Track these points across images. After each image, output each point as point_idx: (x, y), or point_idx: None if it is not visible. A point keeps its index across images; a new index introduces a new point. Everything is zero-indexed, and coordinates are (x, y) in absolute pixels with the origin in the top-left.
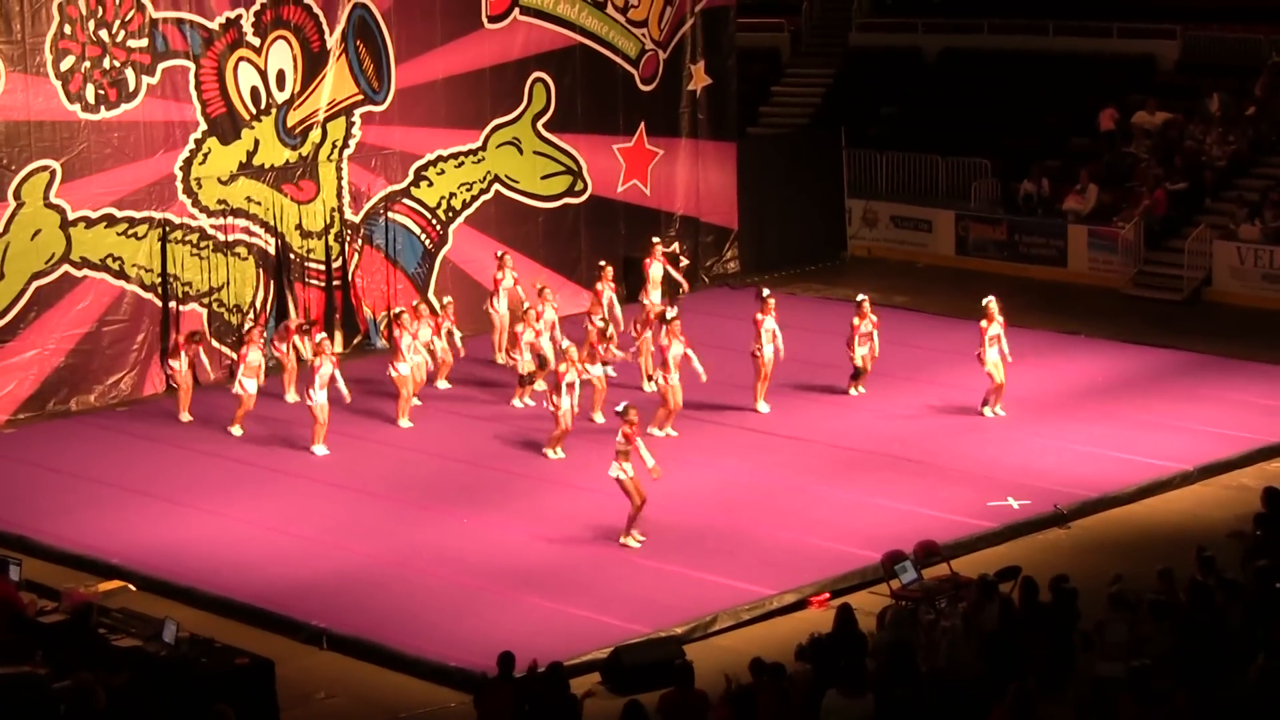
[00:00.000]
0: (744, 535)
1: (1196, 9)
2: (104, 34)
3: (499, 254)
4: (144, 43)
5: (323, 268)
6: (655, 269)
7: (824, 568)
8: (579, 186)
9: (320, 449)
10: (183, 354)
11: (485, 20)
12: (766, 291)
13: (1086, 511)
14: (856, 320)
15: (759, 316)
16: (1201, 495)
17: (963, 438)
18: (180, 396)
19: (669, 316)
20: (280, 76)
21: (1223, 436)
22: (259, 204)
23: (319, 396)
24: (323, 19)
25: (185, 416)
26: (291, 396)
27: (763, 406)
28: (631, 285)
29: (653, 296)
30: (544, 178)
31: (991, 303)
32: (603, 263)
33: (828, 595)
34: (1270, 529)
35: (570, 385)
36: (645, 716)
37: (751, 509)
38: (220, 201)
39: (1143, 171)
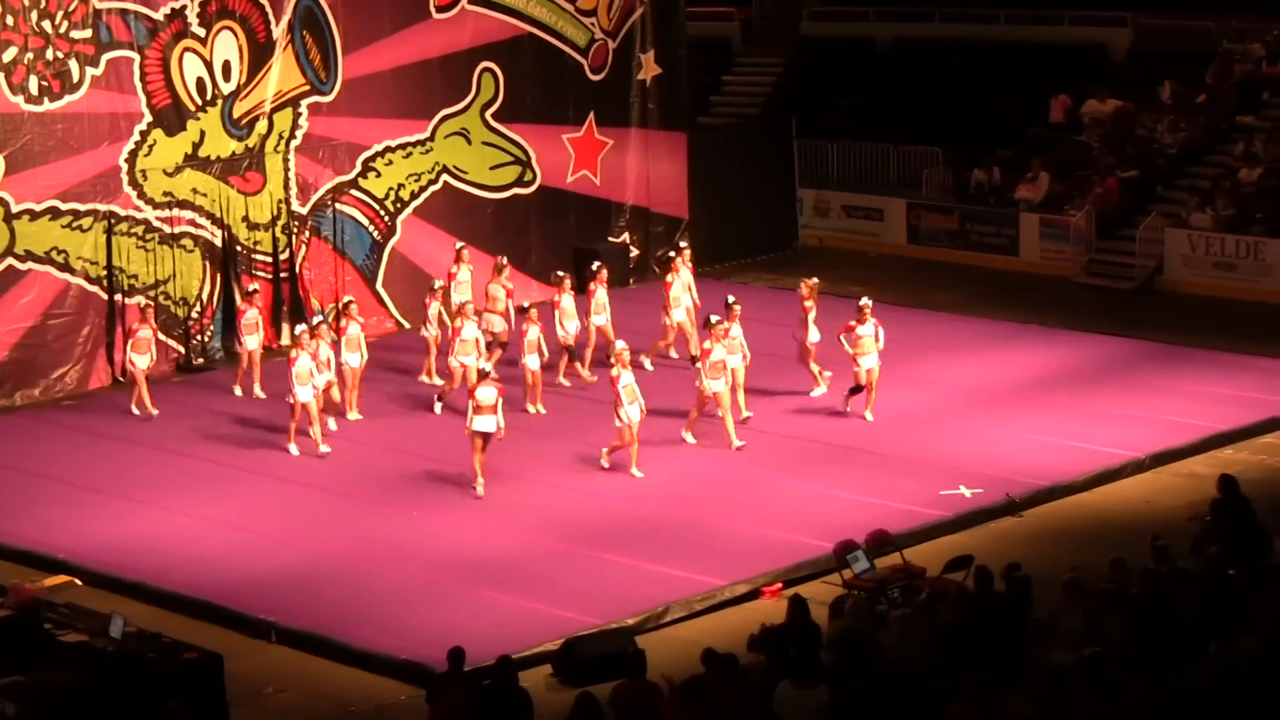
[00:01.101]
0: (697, 526)
1: None
2: (47, 25)
3: (458, 246)
4: (88, 33)
5: (270, 260)
6: (678, 286)
7: (776, 558)
8: (528, 177)
9: (294, 448)
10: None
11: (433, 10)
12: (732, 298)
13: (1039, 500)
14: (854, 323)
15: (726, 325)
16: (1154, 483)
17: (915, 427)
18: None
19: (712, 320)
20: (226, 67)
21: (1175, 425)
22: (205, 196)
23: (302, 393)
24: (268, 9)
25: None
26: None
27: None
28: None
29: (674, 315)
30: (493, 168)
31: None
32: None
33: (780, 585)
34: (1224, 515)
35: (626, 386)
36: (598, 708)
37: (705, 500)
38: (166, 194)
39: (1095, 160)
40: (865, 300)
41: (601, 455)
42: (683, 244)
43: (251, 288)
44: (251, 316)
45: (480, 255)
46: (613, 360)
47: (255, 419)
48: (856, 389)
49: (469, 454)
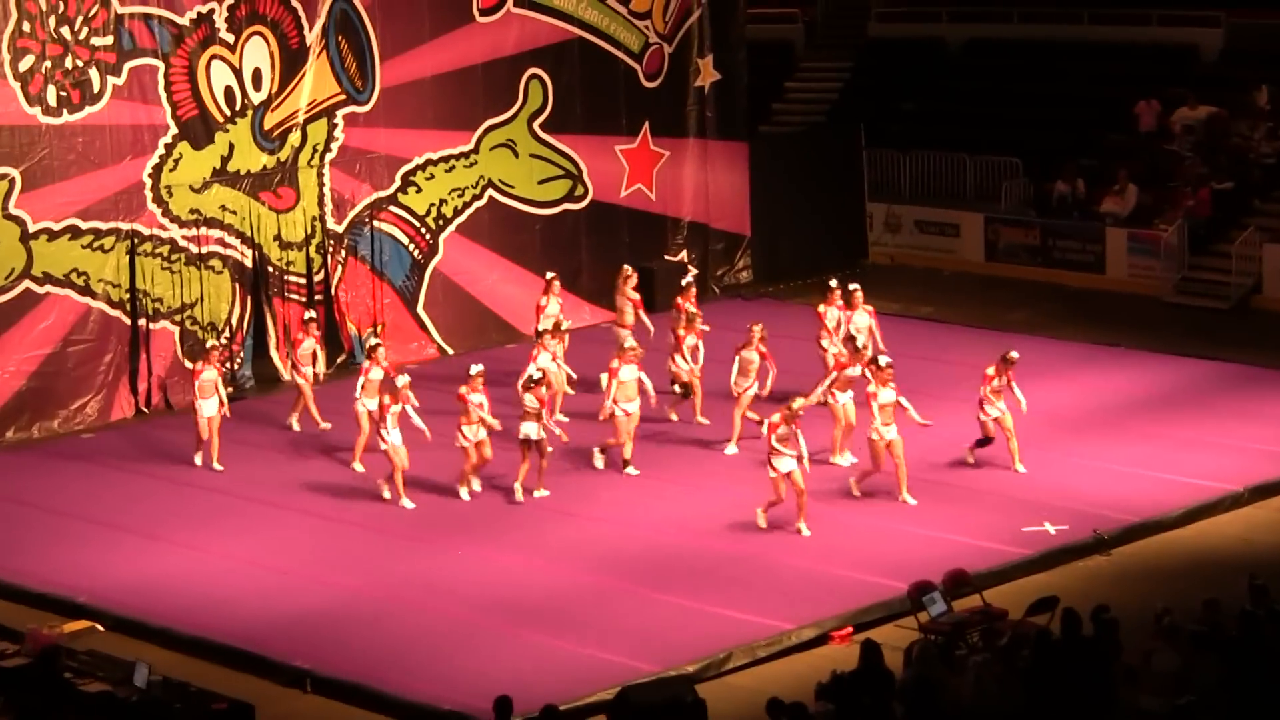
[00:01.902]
0: (761, 564)
1: None
2: (66, 31)
3: (548, 277)
4: (109, 40)
5: (304, 281)
6: (860, 317)
7: (846, 600)
8: (579, 191)
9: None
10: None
11: (477, 13)
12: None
13: (1129, 537)
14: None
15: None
16: (1253, 518)
17: (995, 458)
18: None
19: (883, 362)
20: (256, 75)
21: (1276, 455)
22: (234, 213)
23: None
24: (301, 13)
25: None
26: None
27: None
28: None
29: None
30: (541, 182)
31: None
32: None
33: (850, 630)
34: None
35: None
36: None
37: (768, 537)
38: (193, 211)
39: (1185, 170)
40: (885, 360)
41: (595, 455)
42: (687, 278)
43: (308, 315)
44: (308, 347)
45: (527, 275)
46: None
47: (286, 451)
48: (984, 440)
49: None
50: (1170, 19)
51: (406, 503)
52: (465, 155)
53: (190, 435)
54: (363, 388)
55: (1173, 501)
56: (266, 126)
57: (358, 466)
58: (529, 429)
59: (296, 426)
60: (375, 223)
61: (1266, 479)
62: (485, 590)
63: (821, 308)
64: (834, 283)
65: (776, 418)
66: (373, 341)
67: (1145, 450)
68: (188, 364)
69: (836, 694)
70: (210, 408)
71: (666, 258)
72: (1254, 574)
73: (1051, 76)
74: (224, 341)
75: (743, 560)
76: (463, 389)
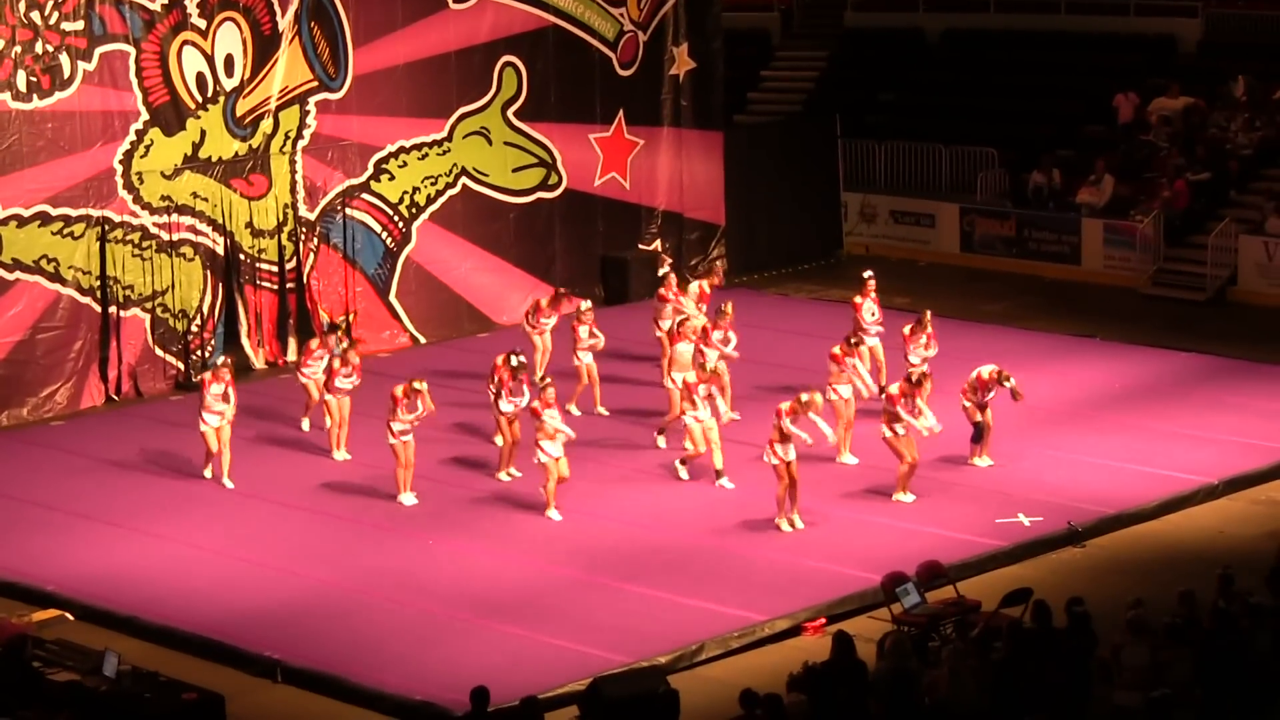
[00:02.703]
0: (734, 556)
1: None
2: (36, 16)
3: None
4: (80, 25)
5: (275, 269)
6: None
7: (820, 591)
8: (553, 180)
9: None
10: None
11: (450, 0)
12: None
13: (1103, 529)
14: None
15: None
16: (1228, 510)
17: (969, 450)
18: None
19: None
20: (228, 62)
21: (1250, 447)
22: (206, 200)
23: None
24: None
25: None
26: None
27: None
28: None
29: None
30: (515, 170)
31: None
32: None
33: (824, 621)
34: None
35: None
36: None
37: (741, 529)
38: (164, 198)
39: (1162, 161)
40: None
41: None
42: (664, 269)
43: (329, 325)
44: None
45: (501, 264)
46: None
47: (257, 441)
48: (978, 433)
49: (492, 475)
50: (1148, 9)
51: (406, 499)
52: (439, 143)
53: (169, 434)
54: (331, 383)
55: (1147, 494)
56: (238, 113)
57: (340, 455)
58: (507, 407)
59: (306, 427)
60: (348, 210)
61: (1240, 471)
62: (457, 582)
63: (858, 299)
64: (868, 273)
65: (786, 406)
66: (343, 347)
67: (1120, 442)
68: (200, 377)
69: (809, 685)
70: (217, 420)
71: (641, 247)
72: (1226, 566)
73: (1029, 67)
74: (196, 329)
75: (716, 552)
76: (535, 403)
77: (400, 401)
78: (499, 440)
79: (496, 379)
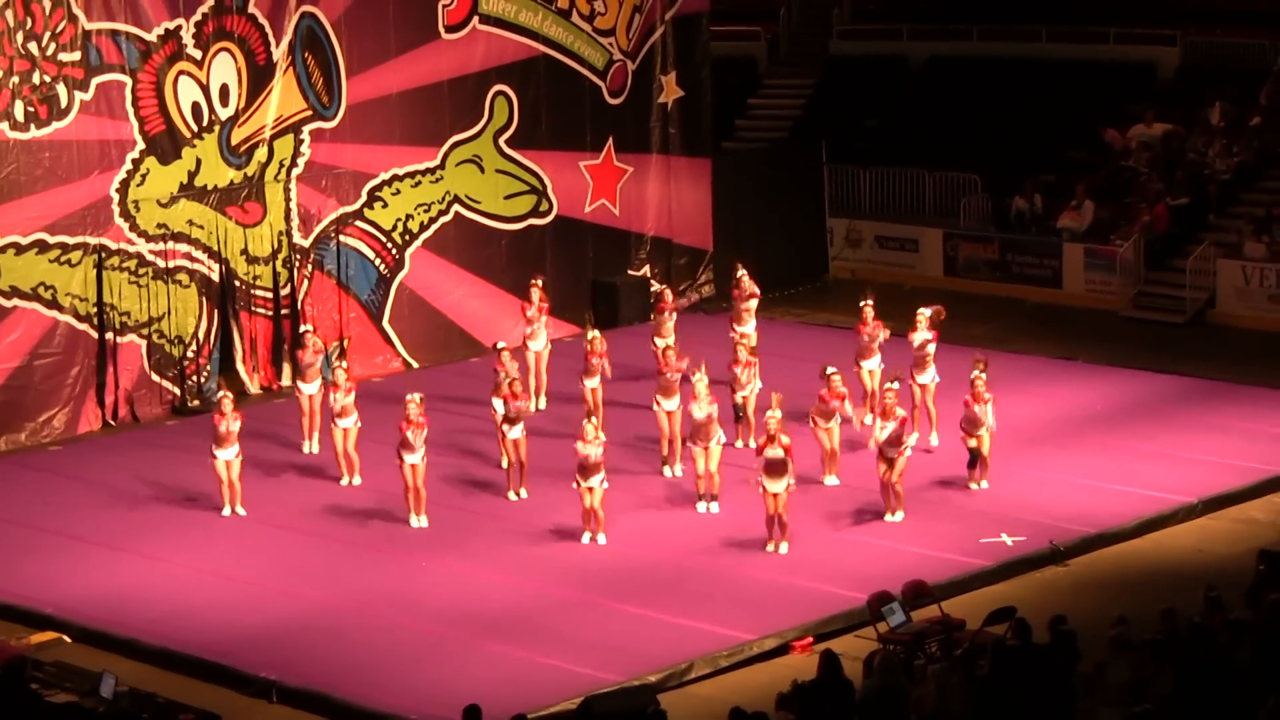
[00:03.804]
0: (722, 575)
1: (1198, 13)
2: (33, 47)
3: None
4: (76, 56)
5: (270, 295)
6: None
7: (807, 610)
8: (544, 206)
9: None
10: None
11: (442, 30)
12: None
13: (1085, 548)
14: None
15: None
16: (1208, 529)
17: (953, 471)
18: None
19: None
20: (224, 91)
21: (1229, 467)
22: (201, 228)
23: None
24: (268, 30)
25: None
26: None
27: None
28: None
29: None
30: (507, 198)
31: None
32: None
33: (811, 640)
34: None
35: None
36: None
37: (730, 549)
38: (160, 225)
39: (1142, 186)
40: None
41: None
42: (657, 288)
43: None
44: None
45: (493, 289)
46: None
47: (251, 464)
48: (973, 459)
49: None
50: (1127, 37)
51: (415, 522)
52: (431, 171)
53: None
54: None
55: (1128, 513)
56: (233, 142)
57: (309, 447)
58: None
59: (316, 449)
60: (341, 237)
61: (1219, 490)
62: (450, 601)
63: (860, 325)
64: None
65: (761, 440)
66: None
67: (1101, 463)
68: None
69: (798, 703)
70: (229, 454)
71: (630, 272)
72: (1210, 585)
73: (1011, 94)
74: (191, 355)
75: (705, 571)
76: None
77: (413, 425)
78: (505, 463)
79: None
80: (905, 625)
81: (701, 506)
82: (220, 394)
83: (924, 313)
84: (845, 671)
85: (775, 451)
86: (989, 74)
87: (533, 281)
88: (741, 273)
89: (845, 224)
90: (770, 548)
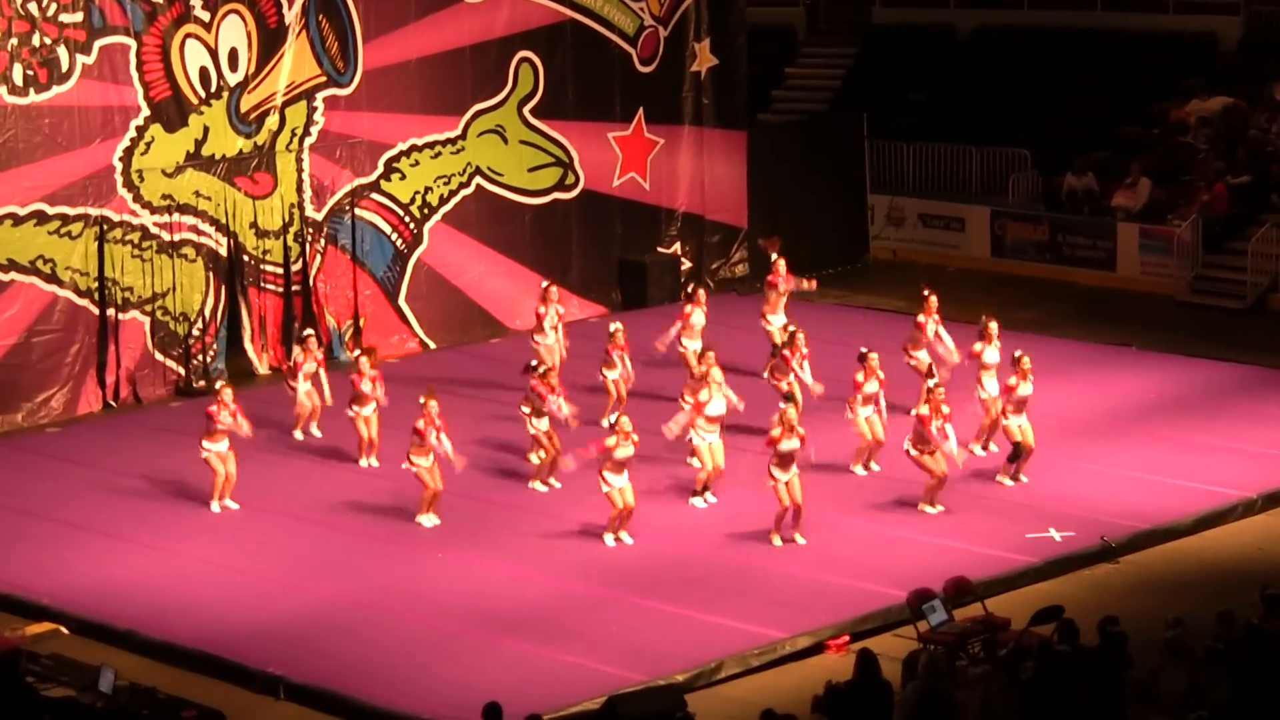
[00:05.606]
0: (754, 571)
1: None
2: (33, 7)
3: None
4: (79, 17)
5: (281, 271)
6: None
7: (843, 608)
8: (570, 180)
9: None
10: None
11: None
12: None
13: (1138, 545)
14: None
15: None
16: (1267, 526)
17: (999, 463)
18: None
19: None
20: (233, 56)
21: None
22: (209, 199)
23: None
24: None
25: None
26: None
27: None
28: (629, 294)
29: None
30: (531, 170)
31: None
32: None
33: (847, 639)
34: None
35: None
36: None
37: (761, 543)
38: (165, 196)
39: (1201, 164)
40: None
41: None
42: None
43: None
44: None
45: (515, 267)
46: None
47: (257, 449)
48: (1015, 453)
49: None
50: (1187, 6)
51: (426, 520)
52: (452, 141)
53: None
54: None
55: (1183, 508)
56: (243, 109)
57: (300, 434)
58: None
59: (318, 433)
60: (356, 211)
61: None
62: (467, 597)
63: (921, 317)
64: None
65: (776, 431)
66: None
67: (1155, 455)
68: (207, 410)
69: (832, 706)
70: (222, 446)
71: (659, 250)
72: (1265, 585)
73: (1063, 66)
74: (197, 333)
75: (735, 567)
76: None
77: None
78: (534, 457)
79: (535, 393)
80: (947, 624)
81: (699, 502)
82: (220, 384)
83: (993, 326)
84: (883, 673)
85: (792, 443)
86: (1040, 44)
87: (543, 285)
88: (780, 260)
89: (887, 201)
90: (777, 540)
